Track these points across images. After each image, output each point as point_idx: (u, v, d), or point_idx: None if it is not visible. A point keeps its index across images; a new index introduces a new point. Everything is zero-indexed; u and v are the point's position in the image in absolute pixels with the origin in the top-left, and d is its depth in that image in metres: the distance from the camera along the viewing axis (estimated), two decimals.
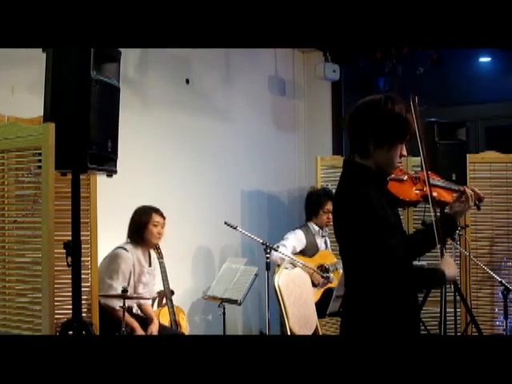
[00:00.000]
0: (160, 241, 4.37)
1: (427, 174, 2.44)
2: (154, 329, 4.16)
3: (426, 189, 2.47)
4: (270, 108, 6.28)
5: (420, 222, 3.66)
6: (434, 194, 2.52)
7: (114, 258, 4.11)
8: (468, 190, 2.51)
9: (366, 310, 2.28)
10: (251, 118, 5.98)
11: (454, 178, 4.27)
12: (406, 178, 2.51)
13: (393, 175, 2.44)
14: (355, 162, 2.33)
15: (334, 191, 5.42)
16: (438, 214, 2.47)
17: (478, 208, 2.68)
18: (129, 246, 4.21)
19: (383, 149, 2.27)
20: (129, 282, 4.12)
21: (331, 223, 5.05)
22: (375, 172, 2.31)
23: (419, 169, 4.51)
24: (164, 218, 4.33)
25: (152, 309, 4.37)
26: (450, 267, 2.32)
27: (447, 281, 2.33)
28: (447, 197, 2.64)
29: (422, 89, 6.06)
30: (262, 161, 6.04)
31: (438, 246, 2.33)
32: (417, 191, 2.51)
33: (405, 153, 2.32)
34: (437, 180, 2.82)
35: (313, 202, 5.12)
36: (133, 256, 4.18)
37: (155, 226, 4.27)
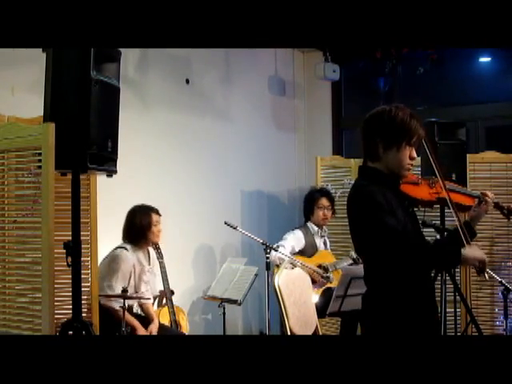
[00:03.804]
0: (160, 239, 4.38)
1: (443, 181, 2.48)
2: (153, 329, 4.16)
3: (443, 193, 2.51)
4: (270, 108, 6.28)
5: (420, 221, 3.67)
6: (451, 197, 2.54)
7: (113, 259, 4.11)
8: (488, 196, 2.58)
9: (382, 306, 2.33)
10: (251, 118, 5.98)
11: (454, 178, 4.27)
12: (420, 181, 2.55)
13: (408, 180, 2.50)
14: (367, 167, 2.44)
15: (333, 191, 5.52)
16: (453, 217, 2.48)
17: (508, 218, 2.70)
18: (128, 246, 4.21)
19: (392, 150, 2.36)
20: (129, 282, 4.12)
21: (328, 220, 5.12)
22: (387, 174, 2.39)
23: (419, 169, 4.53)
24: (160, 215, 4.36)
25: (153, 308, 4.37)
26: (473, 249, 2.33)
27: (466, 259, 2.30)
28: (464, 201, 2.66)
29: (422, 89, 6.06)
30: (261, 161, 6.04)
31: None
32: (432, 193, 2.54)
33: (414, 155, 2.40)
34: (453, 186, 2.82)
35: (307, 201, 5.17)
36: (133, 256, 4.19)
37: (155, 225, 4.29)
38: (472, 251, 2.32)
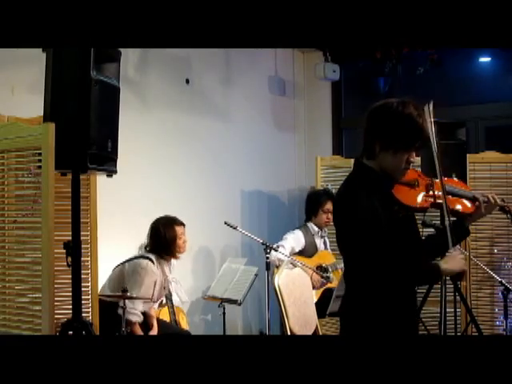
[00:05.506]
0: (186, 249, 4.33)
1: (442, 182, 2.40)
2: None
3: (441, 197, 2.40)
4: (270, 108, 6.28)
5: (420, 221, 3.66)
6: (448, 203, 2.42)
7: (138, 270, 4.06)
8: (485, 198, 2.50)
9: (363, 309, 2.28)
10: (251, 118, 5.98)
11: (454, 179, 4.27)
12: (417, 183, 2.43)
13: (405, 179, 2.37)
14: (361, 163, 2.32)
15: (334, 191, 5.51)
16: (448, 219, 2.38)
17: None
18: (154, 257, 4.16)
19: (388, 152, 2.24)
20: (153, 294, 4.09)
21: (331, 223, 5.10)
22: (379, 174, 2.28)
23: (419, 169, 4.53)
24: (184, 225, 4.30)
25: (154, 314, 4.30)
26: (452, 261, 2.26)
27: (445, 274, 2.27)
28: (462, 206, 2.58)
29: (422, 89, 6.06)
30: (261, 161, 6.04)
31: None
32: (426, 198, 2.44)
33: (413, 159, 2.28)
34: (454, 186, 2.63)
35: (312, 202, 5.15)
36: (158, 268, 4.15)
37: (180, 238, 4.24)
38: (451, 264, 2.25)
